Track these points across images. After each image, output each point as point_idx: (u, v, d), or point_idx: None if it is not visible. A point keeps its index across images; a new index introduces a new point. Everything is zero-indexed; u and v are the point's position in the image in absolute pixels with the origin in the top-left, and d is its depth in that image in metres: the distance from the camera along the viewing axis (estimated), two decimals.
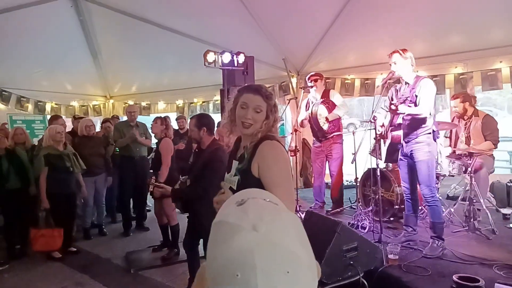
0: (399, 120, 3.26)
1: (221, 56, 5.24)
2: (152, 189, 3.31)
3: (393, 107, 3.12)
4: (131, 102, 8.36)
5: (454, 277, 2.35)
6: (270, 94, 1.72)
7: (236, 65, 5.33)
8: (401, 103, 3.16)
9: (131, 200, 5.33)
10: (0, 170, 4.14)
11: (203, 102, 7.88)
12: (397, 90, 3.35)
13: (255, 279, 0.53)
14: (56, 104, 7.65)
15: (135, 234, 5.15)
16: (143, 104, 8.35)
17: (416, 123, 3.17)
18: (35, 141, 5.60)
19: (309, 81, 4.64)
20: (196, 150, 3.28)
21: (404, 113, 3.14)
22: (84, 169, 4.56)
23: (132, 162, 5.13)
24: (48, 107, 7.50)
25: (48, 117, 7.31)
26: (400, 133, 3.26)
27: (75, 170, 4.41)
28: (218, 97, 7.02)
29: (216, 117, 6.77)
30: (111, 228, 5.38)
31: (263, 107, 1.67)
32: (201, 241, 3.12)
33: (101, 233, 5.15)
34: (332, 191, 4.69)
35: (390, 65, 3.27)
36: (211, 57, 5.16)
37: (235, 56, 5.30)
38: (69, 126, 5.66)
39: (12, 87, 6.80)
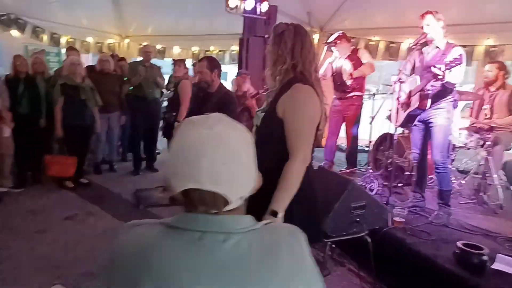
0: (428, 86, 3.12)
1: (243, 2, 5.05)
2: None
3: (439, 72, 2.87)
4: (146, 44, 8.20)
5: (458, 243, 2.39)
6: (274, 26, 1.68)
7: (258, 13, 5.14)
8: (445, 69, 2.96)
9: (142, 140, 5.40)
10: (15, 93, 4.16)
11: (220, 51, 7.71)
12: (423, 54, 3.20)
13: (200, 162, 0.69)
14: (71, 38, 7.52)
15: (144, 174, 5.26)
16: (158, 47, 8.18)
17: (444, 92, 3.06)
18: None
19: (332, 45, 4.46)
20: (201, 94, 3.22)
21: (443, 81, 2.96)
22: (100, 105, 4.58)
23: (145, 102, 5.12)
24: (63, 40, 7.38)
25: (63, 50, 7.28)
26: (428, 100, 3.15)
27: (90, 104, 4.43)
28: (235, 47, 6.86)
29: (232, 68, 6.65)
30: (121, 166, 5.49)
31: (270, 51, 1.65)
32: None
33: (112, 169, 5.27)
34: (346, 152, 4.69)
35: (422, 27, 3.11)
36: (233, 1, 4.97)
37: (258, 4, 5.10)
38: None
39: (28, 16, 6.66)
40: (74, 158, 4.32)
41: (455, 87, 3.04)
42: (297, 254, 0.73)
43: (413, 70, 3.30)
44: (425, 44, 3.18)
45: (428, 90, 3.09)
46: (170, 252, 0.70)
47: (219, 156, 0.70)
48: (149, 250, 0.71)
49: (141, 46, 8.36)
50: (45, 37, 7.07)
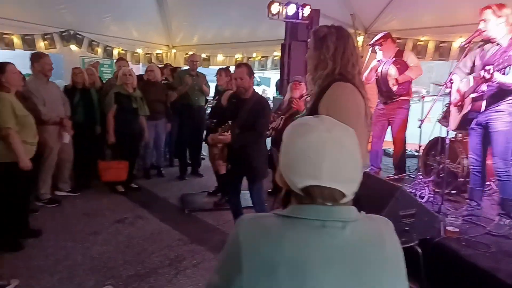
0: (483, 87, 2.90)
1: (285, 8, 5.05)
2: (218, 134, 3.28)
3: (486, 74, 2.70)
4: (192, 53, 8.48)
5: None
6: (315, 30, 1.64)
7: (300, 18, 5.11)
8: (496, 70, 2.75)
9: (187, 147, 5.55)
10: (71, 102, 4.45)
11: (262, 57, 7.77)
12: (484, 51, 2.97)
13: (322, 162, 0.78)
14: (123, 50, 7.97)
15: (189, 179, 5.42)
16: (203, 56, 8.42)
17: (502, 93, 2.81)
18: None
19: (378, 42, 4.30)
20: (233, 100, 3.24)
21: (493, 82, 2.76)
22: (147, 114, 4.79)
23: (191, 110, 5.28)
24: (115, 52, 7.83)
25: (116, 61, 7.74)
26: (483, 102, 2.92)
27: (141, 112, 4.65)
28: (277, 53, 6.87)
29: (274, 74, 6.64)
30: (168, 171, 5.68)
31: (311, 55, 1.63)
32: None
33: (160, 174, 5.48)
34: (394, 157, 4.50)
35: (479, 23, 2.90)
36: (275, 8, 4.98)
37: (300, 8, 5.07)
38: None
39: (85, 31, 7.17)
40: (126, 163, 4.55)
41: (504, 92, 2.77)
42: (395, 242, 0.84)
43: (473, 68, 3.07)
44: (488, 41, 2.93)
45: (483, 91, 2.87)
46: (297, 239, 0.78)
47: (338, 157, 0.79)
48: (279, 237, 0.78)
49: (187, 55, 8.69)
50: (100, 50, 7.56)
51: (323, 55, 1.58)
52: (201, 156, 5.78)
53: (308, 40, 5.30)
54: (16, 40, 6.34)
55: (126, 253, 3.19)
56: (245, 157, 3.04)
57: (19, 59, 3.97)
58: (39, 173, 3.77)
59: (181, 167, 5.47)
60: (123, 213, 4.06)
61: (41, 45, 6.63)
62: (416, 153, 4.61)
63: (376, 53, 4.38)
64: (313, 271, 0.75)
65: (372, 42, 4.36)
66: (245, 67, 3.11)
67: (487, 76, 2.70)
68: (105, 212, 4.07)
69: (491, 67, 2.69)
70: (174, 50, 9.04)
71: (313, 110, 1.60)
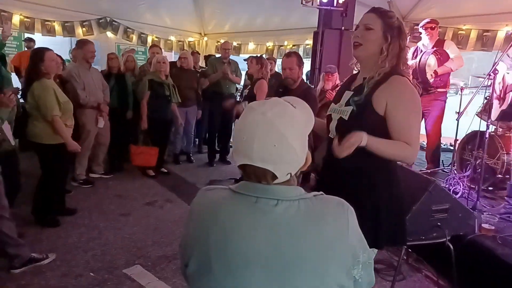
0: None
1: None
2: None
3: None
4: (223, 41, 8.50)
5: None
6: (388, 12, 1.50)
7: (335, 4, 4.97)
8: None
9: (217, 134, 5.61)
10: None
11: (293, 45, 7.67)
12: None
13: (253, 143, 0.82)
14: (156, 37, 8.12)
15: (218, 165, 5.49)
16: (234, 43, 8.42)
17: None
18: None
19: (423, 28, 4.11)
20: (280, 89, 3.21)
21: None
22: (179, 101, 4.87)
23: (221, 97, 5.30)
24: (149, 39, 8.00)
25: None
26: None
27: (173, 99, 4.73)
28: (309, 41, 6.76)
29: (306, 63, 6.56)
30: (197, 157, 5.78)
31: (376, 25, 1.45)
32: None
33: (189, 160, 5.58)
34: (427, 150, 4.34)
35: None
36: None
37: None
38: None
39: (120, 18, 7.35)
40: (157, 149, 4.65)
41: None
42: (340, 223, 0.85)
43: None
44: None
45: None
46: (232, 210, 0.86)
47: (269, 139, 0.82)
48: (217, 208, 0.88)
49: (219, 43, 8.73)
50: (134, 37, 7.74)
51: (395, 47, 1.49)
52: (230, 144, 5.82)
53: (343, 28, 5.12)
54: (57, 26, 6.62)
55: (155, 234, 3.28)
56: None
57: (59, 46, 4.13)
58: (75, 154, 3.92)
59: (210, 153, 5.54)
60: (153, 196, 4.18)
61: (79, 31, 6.88)
62: (451, 147, 4.42)
63: (415, 41, 4.20)
64: (238, 241, 0.82)
65: (422, 24, 4.15)
66: (295, 57, 3.04)
67: None
68: (136, 195, 4.21)
69: None
70: (205, 38, 9.10)
71: (367, 101, 1.50)
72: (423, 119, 4.21)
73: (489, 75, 2.85)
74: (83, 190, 4.23)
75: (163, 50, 6.74)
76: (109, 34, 7.31)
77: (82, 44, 4.18)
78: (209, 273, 0.84)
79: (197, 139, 6.22)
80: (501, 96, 2.92)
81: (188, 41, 8.89)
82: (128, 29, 7.57)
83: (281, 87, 3.16)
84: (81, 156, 4.22)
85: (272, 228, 0.82)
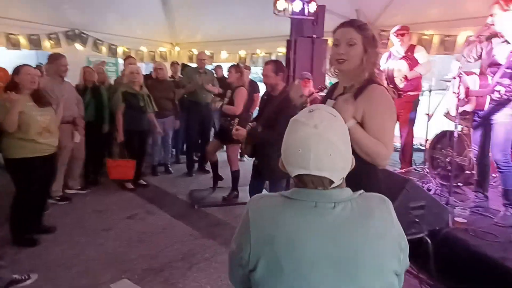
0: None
1: (291, 4, 5.06)
2: (233, 130, 3.32)
3: (497, 94, 2.81)
4: (195, 50, 8.52)
5: None
6: (364, 24, 1.59)
7: (306, 14, 5.13)
8: (502, 76, 2.81)
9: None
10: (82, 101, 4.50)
11: (266, 53, 7.79)
12: (491, 45, 2.97)
13: (309, 155, 0.91)
14: (127, 48, 8.01)
15: (197, 175, 5.48)
16: (207, 53, 8.45)
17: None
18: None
19: (395, 35, 4.32)
20: (265, 97, 3.32)
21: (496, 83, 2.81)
22: (155, 111, 4.84)
23: (198, 107, 5.33)
24: (120, 50, 7.88)
25: (120, 60, 7.79)
26: (485, 99, 2.96)
27: (148, 110, 4.70)
28: (281, 49, 6.89)
29: None
30: (175, 168, 5.73)
31: (358, 39, 1.54)
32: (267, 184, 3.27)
33: (167, 171, 5.54)
34: (401, 151, 4.54)
35: (487, 17, 2.92)
36: (281, 4, 4.99)
37: (306, 4, 5.09)
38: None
39: (89, 30, 7.22)
40: (134, 161, 4.60)
41: None
42: (386, 217, 0.97)
43: (479, 58, 3.10)
44: (496, 35, 2.95)
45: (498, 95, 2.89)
46: (294, 215, 0.94)
47: (323, 150, 0.92)
48: (277, 215, 0.96)
49: (191, 52, 8.74)
50: (104, 49, 7.60)
51: (373, 56, 1.57)
52: None
53: (314, 36, 5.27)
54: (22, 40, 6.40)
55: (139, 248, 3.25)
56: (263, 156, 3.08)
57: (24, 59, 4.02)
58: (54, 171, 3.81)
59: (188, 163, 5.52)
60: (133, 209, 4.12)
61: (46, 44, 6.69)
62: (422, 147, 4.65)
63: (383, 47, 4.41)
64: (304, 242, 0.91)
65: (394, 30, 4.35)
66: (271, 64, 3.13)
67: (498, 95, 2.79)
68: (115, 209, 4.14)
69: (501, 88, 2.73)
70: (177, 48, 9.08)
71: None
72: (397, 121, 4.42)
73: (455, 77, 3.05)
74: (60, 207, 4.11)
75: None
76: (78, 46, 7.15)
77: (54, 58, 4.10)
78: (281, 274, 0.91)
79: (174, 149, 6.18)
80: (464, 99, 3.12)
81: (160, 51, 8.83)
82: (97, 41, 7.43)
83: (266, 94, 3.25)
84: (57, 171, 4.10)
85: (333, 228, 0.91)
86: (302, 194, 0.96)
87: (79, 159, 4.48)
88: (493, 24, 2.88)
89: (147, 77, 5.47)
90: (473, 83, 3.04)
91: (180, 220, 3.87)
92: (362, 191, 1.00)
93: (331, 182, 0.94)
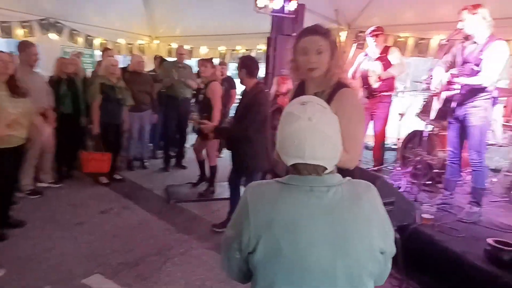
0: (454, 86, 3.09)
1: (272, 1, 5.10)
2: (196, 126, 3.38)
3: (455, 79, 2.95)
4: (174, 44, 8.42)
5: (489, 240, 2.37)
6: (328, 30, 1.64)
7: (286, 12, 5.18)
8: (460, 74, 2.97)
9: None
10: (57, 93, 4.40)
11: (246, 49, 7.80)
12: (464, 47, 3.11)
13: (304, 146, 1.00)
14: (104, 40, 7.83)
15: (173, 170, 5.45)
16: (186, 47, 8.36)
17: (475, 90, 3.00)
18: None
19: (370, 36, 4.42)
20: (242, 93, 3.36)
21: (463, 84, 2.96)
22: (132, 104, 4.78)
23: (176, 102, 5.29)
24: (96, 42, 7.69)
25: (96, 51, 7.61)
26: (454, 98, 3.11)
27: (126, 103, 4.63)
28: (261, 46, 6.92)
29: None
30: (152, 163, 5.68)
31: (326, 46, 1.59)
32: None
33: (143, 166, 5.48)
34: (374, 150, 4.67)
35: (458, 22, 3.06)
36: (262, 1, 5.02)
37: (286, 2, 5.14)
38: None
39: (65, 19, 7.00)
40: (109, 155, 4.53)
41: (484, 87, 2.96)
42: (373, 199, 1.07)
43: (453, 64, 3.23)
44: (467, 38, 3.09)
45: (456, 87, 3.05)
46: (291, 200, 1.02)
47: (317, 141, 1.01)
48: (275, 199, 1.03)
49: (170, 46, 8.63)
50: (81, 40, 7.40)
51: (339, 60, 1.63)
52: (185, 148, 5.80)
53: (293, 34, 5.35)
54: None
55: (114, 242, 3.22)
56: (234, 151, 3.12)
57: None
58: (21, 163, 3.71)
59: (165, 158, 5.49)
60: (107, 204, 4.07)
61: (19, 33, 6.44)
62: (394, 146, 4.80)
63: (361, 48, 4.50)
64: (302, 224, 0.99)
65: (368, 32, 4.45)
66: (239, 60, 3.20)
67: (455, 79, 2.97)
68: (90, 203, 4.07)
69: (455, 71, 2.89)
70: (156, 41, 8.95)
71: None
72: (371, 120, 4.54)
73: (426, 80, 3.18)
74: (31, 201, 4.01)
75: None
76: (53, 36, 6.92)
77: (24, 46, 3.97)
78: (280, 255, 0.98)
79: (151, 144, 6.11)
80: (438, 95, 3.26)
81: (138, 44, 8.68)
82: (73, 31, 7.22)
83: (243, 90, 3.30)
84: (27, 164, 3.99)
85: (328, 210, 1.00)
86: (298, 180, 1.04)
87: (49, 152, 4.37)
88: (462, 29, 3.01)
89: (124, 70, 5.39)
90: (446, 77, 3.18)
91: (155, 215, 3.86)
92: (349, 178, 1.09)
93: (325, 169, 1.04)
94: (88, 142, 4.94)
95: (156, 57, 6.73)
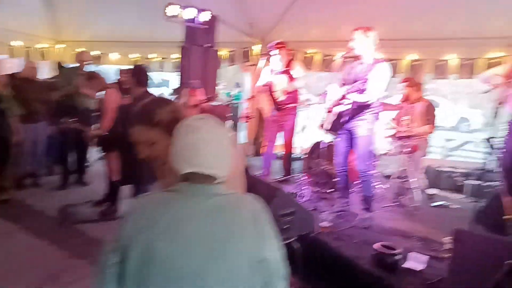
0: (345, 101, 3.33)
1: (183, 11, 5.00)
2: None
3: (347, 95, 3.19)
4: (81, 50, 7.81)
5: (375, 245, 2.54)
6: None
7: (197, 22, 5.12)
8: (350, 91, 3.21)
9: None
10: None
11: (162, 58, 7.56)
12: (352, 67, 3.36)
13: (199, 156, 1.09)
14: None
15: (72, 188, 4.96)
16: (96, 53, 7.82)
17: (362, 106, 3.26)
18: None
19: (274, 49, 4.54)
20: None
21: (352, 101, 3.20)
22: (20, 114, 4.26)
23: (76, 112, 4.85)
24: None
25: None
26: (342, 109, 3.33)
27: (12, 113, 4.12)
28: (176, 55, 6.76)
29: (174, 76, 6.49)
30: (47, 180, 5.11)
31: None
32: None
33: (36, 184, 4.92)
34: (283, 160, 4.80)
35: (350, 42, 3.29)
36: (172, 10, 4.89)
37: (199, 13, 5.07)
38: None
39: None
40: None
41: (368, 104, 3.23)
42: (255, 213, 1.13)
43: (346, 81, 3.44)
44: (357, 58, 3.33)
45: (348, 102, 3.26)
46: (175, 204, 1.10)
47: (211, 152, 1.10)
48: (164, 203, 1.11)
49: (76, 52, 7.98)
50: None
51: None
52: (86, 163, 5.34)
53: (206, 45, 5.29)
54: None
55: None
56: (130, 162, 2.95)
57: None
58: None
59: (63, 174, 4.97)
60: None
61: None
62: (303, 156, 5.00)
63: (271, 60, 4.57)
64: (183, 225, 1.06)
65: (271, 45, 4.54)
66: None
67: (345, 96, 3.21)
68: None
69: (347, 87, 3.15)
70: (61, 45, 8.20)
71: None
72: (281, 131, 4.66)
73: (321, 95, 3.37)
74: None
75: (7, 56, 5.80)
76: None
77: None
78: (154, 260, 1.02)
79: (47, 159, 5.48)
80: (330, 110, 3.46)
81: (39, 48, 7.86)
82: None
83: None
84: None
85: (208, 215, 1.08)
86: (186, 187, 1.11)
87: None
88: (353, 48, 3.25)
89: (14, 76, 4.80)
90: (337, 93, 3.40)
91: (47, 239, 3.43)
92: (236, 191, 1.21)
93: (215, 178, 1.11)
94: None
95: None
